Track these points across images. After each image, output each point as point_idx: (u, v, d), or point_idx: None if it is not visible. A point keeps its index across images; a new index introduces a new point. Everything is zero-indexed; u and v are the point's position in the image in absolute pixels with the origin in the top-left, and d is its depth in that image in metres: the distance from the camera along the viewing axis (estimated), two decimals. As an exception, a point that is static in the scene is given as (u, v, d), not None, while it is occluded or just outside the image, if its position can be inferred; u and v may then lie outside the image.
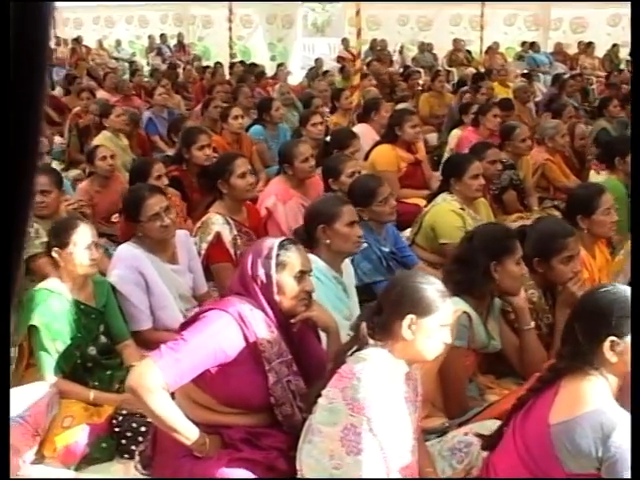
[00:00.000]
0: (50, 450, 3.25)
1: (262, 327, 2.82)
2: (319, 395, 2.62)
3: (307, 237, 3.72)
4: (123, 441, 3.34)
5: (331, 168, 5.18)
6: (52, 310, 3.46)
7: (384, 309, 2.65)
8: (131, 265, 3.87)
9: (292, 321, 2.93)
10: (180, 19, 21.48)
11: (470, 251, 3.40)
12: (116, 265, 3.87)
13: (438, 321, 2.58)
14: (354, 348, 2.64)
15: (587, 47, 17.01)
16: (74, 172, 7.86)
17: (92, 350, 3.58)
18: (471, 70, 15.45)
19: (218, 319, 2.80)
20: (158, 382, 2.63)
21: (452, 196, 5.04)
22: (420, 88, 12.09)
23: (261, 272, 2.87)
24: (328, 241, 3.71)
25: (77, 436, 3.26)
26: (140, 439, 3.30)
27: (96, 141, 7.34)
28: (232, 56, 16.86)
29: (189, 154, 5.79)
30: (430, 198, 5.29)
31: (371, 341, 2.62)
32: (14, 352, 3.52)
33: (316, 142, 6.73)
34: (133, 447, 3.30)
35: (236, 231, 4.57)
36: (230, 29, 16.60)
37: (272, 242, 2.94)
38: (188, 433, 2.73)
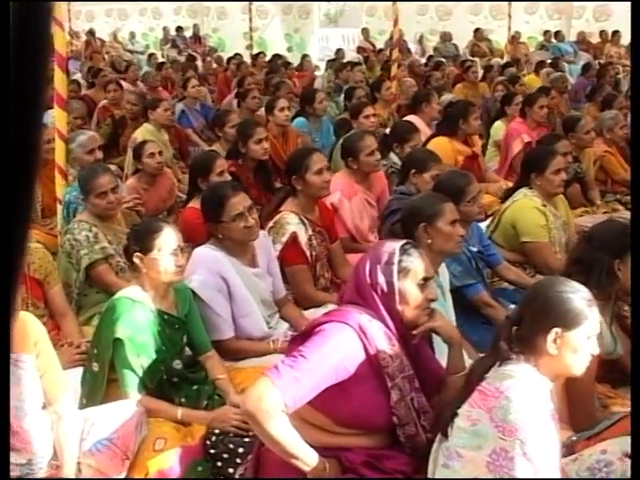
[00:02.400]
0: (142, 475, 2.96)
1: (383, 340, 2.58)
2: (453, 414, 2.39)
3: (405, 236, 3.43)
4: (219, 463, 3.04)
5: (417, 160, 4.89)
6: (136, 321, 3.17)
7: (525, 321, 2.43)
8: (212, 269, 3.58)
9: (414, 332, 2.68)
10: (194, 11, 21.20)
11: (590, 251, 3.20)
12: (196, 269, 3.57)
13: (586, 333, 2.36)
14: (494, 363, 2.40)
15: (613, 36, 16.66)
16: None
17: (177, 364, 3.29)
18: (497, 60, 15.16)
19: (338, 332, 2.54)
20: (278, 405, 2.38)
21: (533, 192, 4.78)
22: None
23: (381, 280, 2.62)
24: (429, 240, 3.44)
25: (171, 460, 2.96)
26: (238, 461, 3.02)
27: (137, 134, 7.06)
28: (250, 47, 16.53)
29: (246, 148, 5.50)
30: (507, 194, 5.01)
31: (513, 356, 2.39)
32: (96, 367, 3.22)
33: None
34: (231, 470, 3.01)
35: (311, 231, 4.28)
36: (250, 20, 16.26)
37: (392, 246, 2.67)
38: (308, 459, 2.48)
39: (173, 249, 3.22)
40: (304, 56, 15.16)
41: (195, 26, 20.26)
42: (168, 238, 3.22)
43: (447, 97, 8.19)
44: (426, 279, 2.65)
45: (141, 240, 3.23)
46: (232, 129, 6.22)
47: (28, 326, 2.95)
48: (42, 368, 2.97)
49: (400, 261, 2.61)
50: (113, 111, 8.84)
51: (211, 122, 6.55)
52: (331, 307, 4.10)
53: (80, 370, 3.46)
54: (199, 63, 17.21)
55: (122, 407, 3.06)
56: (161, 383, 3.23)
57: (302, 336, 2.68)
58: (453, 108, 7.03)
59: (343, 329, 2.54)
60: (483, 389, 2.35)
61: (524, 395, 2.26)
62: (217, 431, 3.13)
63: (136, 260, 3.23)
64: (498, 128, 7.87)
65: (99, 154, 5.25)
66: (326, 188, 4.36)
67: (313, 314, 4.05)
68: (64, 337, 3.92)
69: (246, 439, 3.09)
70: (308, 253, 4.23)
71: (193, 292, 3.52)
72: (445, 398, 2.73)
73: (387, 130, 6.66)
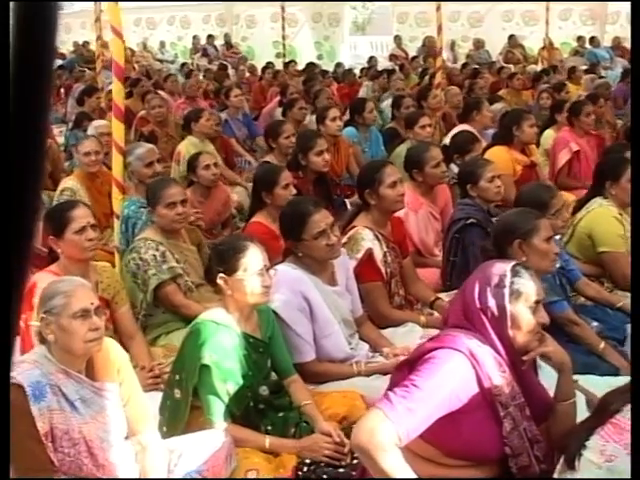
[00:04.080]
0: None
1: (493, 366, 2.44)
2: (580, 447, 2.24)
3: (498, 254, 3.27)
4: (313, 495, 2.89)
5: (469, 173, 4.73)
6: (222, 346, 3.00)
7: None
8: (294, 289, 3.41)
9: (524, 358, 2.54)
10: (223, 19, 21.13)
11: None
12: (277, 289, 3.39)
13: None
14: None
15: (651, 40, 16.37)
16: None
17: (264, 390, 3.12)
18: (532, 67, 14.95)
19: (450, 360, 2.41)
20: (391, 438, 2.26)
21: (608, 201, 4.62)
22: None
23: (492, 303, 2.48)
24: (524, 258, 3.27)
25: (266, 493, 2.81)
26: (332, 491, 2.86)
27: (181, 148, 6.93)
28: (282, 55, 16.42)
29: (306, 160, 5.35)
30: (579, 204, 4.83)
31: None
32: (178, 394, 3.06)
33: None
34: (326, 501, 2.85)
35: (385, 247, 4.11)
36: (283, 28, 16.13)
37: (503, 268, 2.53)
38: None
39: (259, 269, 3.06)
40: (337, 65, 15.01)
41: (226, 35, 20.18)
42: (254, 257, 3.06)
43: (498, 106, 7.98)
44: (537, 302, 2.52)
45: (225, 260, 3.06)
46: (287, 140, 6.07)
47: (111, 352, 2.82)
48: (125, 397, 2.82)
49: (512, 283, 2.50)
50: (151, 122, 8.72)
51: (264, 133, 6.37)
52: (411, 326, 3.96)
53: (153, 395, 3.32)
54: (231, 72, 17.15)
55: (210, 437, 2.90)
56: (247, 410, 3.07)
57: (409, 364, 2.55)
58: (507, 117, 6.86)
59: (455, 356, 2.42)
60: (618, 422, 2.20)
61: None
62: (308, 461, 2.98)
63: (220, 281, 3.07)
64: (548, 136, 7.67)
65: (158, 167, 5.12)
66: (401, 202, 4.19)
67: (392, 334, 3.90)
68: (133, 360, 3.76)
69: (340, 469, 2.95)
70: (383, 270, 4.07)
71: (274, 312, 3.36)
72: (556, 427, 2.61)
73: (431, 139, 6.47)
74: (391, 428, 2.26)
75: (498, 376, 2.44)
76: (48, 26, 0.57)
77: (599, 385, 3.20)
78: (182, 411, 3.07)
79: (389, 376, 3.48)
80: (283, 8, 16.38)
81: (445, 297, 4.35)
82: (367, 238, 4.04)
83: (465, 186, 4.71)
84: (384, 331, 3.90)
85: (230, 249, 3.09)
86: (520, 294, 2.48)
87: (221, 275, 3.06)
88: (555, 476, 2.38)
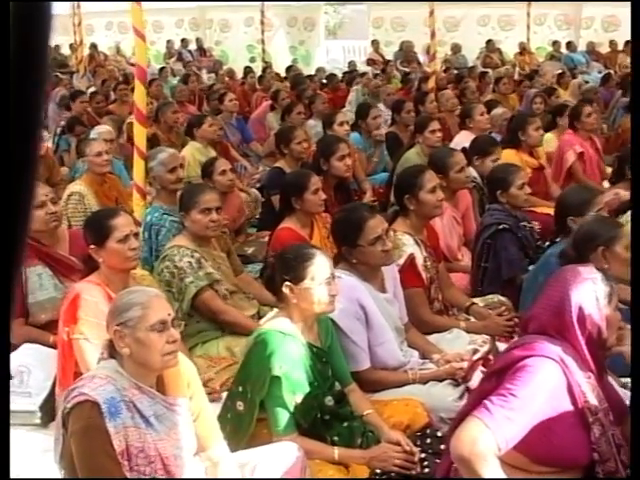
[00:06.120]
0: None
1: (579, 372, 2.44)
2: None
3: (578, 259, 3.24)
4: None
5: (499, 179, 4.71)
6: (291, 357, 2.93)
7: None
8: (351, 296, 3.35)
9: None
10: (197, 23, 20.96)
11: None
12: (334, 297, 3.33)
13: None
14: None
15: (626, 45, 16.58)
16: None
17: (329, 400, 3.05)
18: (507, 70, 15.03)
19: (544, 367, 2.40)
20: (492, 448, 2.27)
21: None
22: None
23: (588, 308, 2.47)
24: (606, 265, 3.28)
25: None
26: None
27: (185, 153, 6.82)
28: (262, 60, 16.32)
29: (328, 165, 5.28)
30: (621, 207, 4.82)
31: None
32: (241, 406, 2.98)
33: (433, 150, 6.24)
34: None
35: (425, 252, 4.07)
36: (262, 32, 16.03)
37: (592, 272, 2.52)
38: None
39: (326, 278, 2.99)
40: (318, 69, 14.95)
41: (199, 39, 20.00)
42: (321, 266, 2.99)
43: (498, 110, 8.00)
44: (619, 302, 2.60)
45: (292, 268, 2.99)
46: (299, 145, 5.99)
47: (181, 365, 2.72)
48: (196, 411, 2.74)
49: (605, 286, 2.51)
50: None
51: (276, 138, 6.27)
52: (457, 332, 3.92)
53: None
54: (206, 76, 17.00)
55: (282, 450, 2.82)
56: (314, 421, 3.00)
57: (497, 373, 2.52)
58: (513, 121, 6.89)
59: (547, 363, 2.42)
60: None
61: None
62: (379, 471, 2.92)
63: (285, 290, 2.99)
64: (549, 140, 7.69)
65: (181, 172, 5.00)
66: (440, 207, 4.17)
67: (438, 340, 3.85)
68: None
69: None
70: (424, 275, 4.02)
71: (332, 320, 3.29)
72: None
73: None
74: (491, 438, 2.26)
75: (585, 382, 2.44)
76: (42, 25, 0.57)
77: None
78: (246, 424, 2.99)
79: (445, 382, 3.47)
80: (263, 12, 16.28)
81: (480, 302, 4.32)
82: (408, 244, 4.00)
83: (495, 192, 4.70)
84: (430, 337, 3.86)
85: (297, 257, 3.01)
86: (611, 298, 2.51)
87: (287, 284, 2.99)
88: None
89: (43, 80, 0.58)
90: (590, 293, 2.48)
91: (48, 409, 3.60)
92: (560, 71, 13.94)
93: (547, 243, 4.45)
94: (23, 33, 0.56)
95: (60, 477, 2.66)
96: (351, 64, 16.13)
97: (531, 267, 4.34)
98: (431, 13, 9.43)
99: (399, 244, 3.97)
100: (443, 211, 4.95)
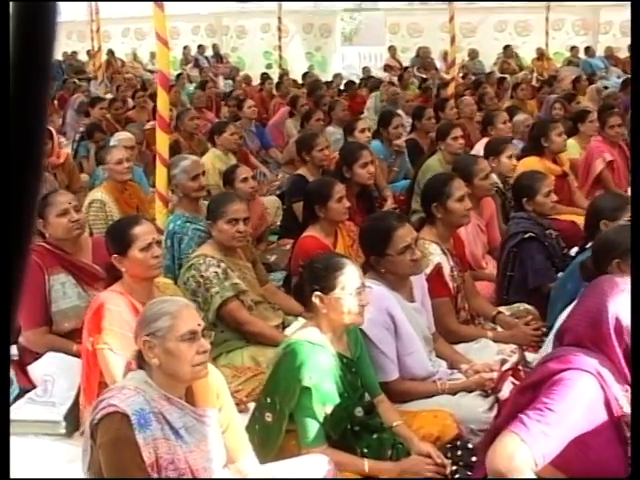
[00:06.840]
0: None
1: (615, 384, 2.38)
2: None
3: (597, 271, 3.19)
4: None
5: (525, 187, 4.66)
6: (321, 367, 2.89)
7: None
8: (380, 306, 3.30)
9: None
10: (213, 30, 21.00)
11: None
12: (362, 307, 3.29)
13: None
14: None
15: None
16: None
17: (359, 411, 3.00)
18: (525, 76, 14.98)
19: (581, 381, 2.35)
20: (528, 463, 2.24)
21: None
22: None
23: (624, 316, 2.38)
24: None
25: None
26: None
27: (206, 160, 6.79)
28: (279, 66, 16.32)
29: (350, 172, 5.24)
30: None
31: None
32: (270, 417, 2.94)
33: (457, 157, 6.19)
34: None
35: (451, 261, 4.02)
36: (279, 38, 16.04)
37: (628, 281, 2.46)
38: None
39: (357, 287, 2.95)
40: (336, 76, 14.92)
41: (215, 46, 20.04)
42: (352, 275, 2.95)
43: (520, 117, 7.93)
44: None
45: (322, 278, 2.95)
46: (320, 153, 5.95)
47: (210, 376, 2.68)
48: (225, 423, 2.70)
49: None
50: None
51: (298, 145, 6.24)
52: (485, 342, 3.87)
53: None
54: (222, 83, 17.02)
55: (313, 462, 2.78)
56: (343, 433, 2.95)
57: (532, 386, 2.47)
58: (535, 128, 6.83)
59: (584, 377, 2.36)
60: None
61: None
62: (410, 484, 2.87)
63: (315, 300, 2.95)
64: (571, 146, 7.61)
65: (203, 180, 4.98)
66: (467, 216, 4.11)
67: (466, 350, 3.81)
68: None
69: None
70: (451, 285, 3.97)
71: (361, 330, 3.25)
72: None
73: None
74: (528, 452, 2.23)
75: (622, 395, 2.38)
76: (47, 27, 0.56)
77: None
78: (274, 436, 2.95)
79: (474, 393, 3.42)
80: (280, 18, 16.29)
81: (506, 311, 4.27)
82: (435, 253, 3.95)
83: (520, 200, 4.65)
84: (457, 347, 3.81)
85: (327, 267, 2.97)
86: None
87: (317, 293, 2.95)
88: None
89: (47, 81, 0.58)
90: (627, 304, 2.42)
91: (72, 419, 3.57)
92: (575, 76, 13.91)
93: (576, 250, 4.38)
94: (27, 34, 0.55)
95: (60, 477, 2.61)
96: (365, 70, 16.07)
97: (559, 274, 4.29)
98: (451, 19, 9.36)
99: (426, 253, 3.92)
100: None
